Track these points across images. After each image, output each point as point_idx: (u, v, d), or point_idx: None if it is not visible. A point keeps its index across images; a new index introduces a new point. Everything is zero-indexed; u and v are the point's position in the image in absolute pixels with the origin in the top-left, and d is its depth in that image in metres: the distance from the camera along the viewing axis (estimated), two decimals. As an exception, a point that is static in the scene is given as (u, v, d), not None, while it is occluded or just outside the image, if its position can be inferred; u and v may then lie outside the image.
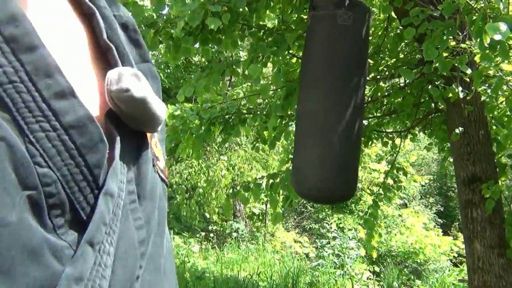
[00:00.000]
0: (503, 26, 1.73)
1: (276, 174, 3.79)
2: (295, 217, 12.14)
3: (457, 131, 2.80)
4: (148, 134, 0.44)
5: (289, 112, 3.34)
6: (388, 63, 2.91)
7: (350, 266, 6.03)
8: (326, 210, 10.52)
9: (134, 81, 0.39)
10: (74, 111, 0.34)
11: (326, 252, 6.07)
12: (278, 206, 3.62)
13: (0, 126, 0.29)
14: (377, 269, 7.07)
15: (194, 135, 3.66)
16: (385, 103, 3.74)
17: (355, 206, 9.57)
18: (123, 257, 0.38)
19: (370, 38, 2.98)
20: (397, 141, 4.12)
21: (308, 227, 10.90)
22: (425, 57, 2.14)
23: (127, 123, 0.40)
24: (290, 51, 2.87)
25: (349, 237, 6.59)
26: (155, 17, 2.71)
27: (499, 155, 3.10)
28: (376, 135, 4.12)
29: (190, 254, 5.51)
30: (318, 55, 1.87)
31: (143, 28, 2.64)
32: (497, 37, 1.72)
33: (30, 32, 0.34)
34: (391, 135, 4.12)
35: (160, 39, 2.67)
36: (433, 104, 3.10)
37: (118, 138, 0.38)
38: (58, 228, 0.32)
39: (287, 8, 2.67)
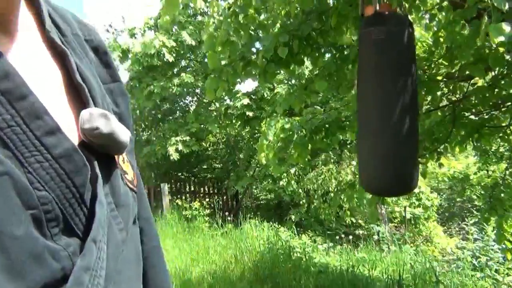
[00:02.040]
0: (506, 27, 1.81)
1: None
2: (459, 222, 11.39)
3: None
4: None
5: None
6: (462, 62, 2.98)
7: (490, 269, 5.72)
8: (486, 214, 9.62)
9: (102, 119, 0.45)
10: (62, 144, 0.40)
11: (463, 253, 5.84)
12: (374, 205, 3.88)
13: (2, 163, 0.35)
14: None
15: (299, 144, 4.14)
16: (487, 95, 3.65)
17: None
18: (112, 253, 0.45)
19: (441, 40, 3.11)
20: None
21: (472, 232, 10.19)
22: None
23: (98, 150, 0.46)
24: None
25: (492, 239, 6.22)
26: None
27: None
28: (489, 130, 3.99)
29: (316, 251, 5.95)
30: (363, 68, 2.11)
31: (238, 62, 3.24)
32: (501, 38, 1.74)
33: (21, 84, 0.39)
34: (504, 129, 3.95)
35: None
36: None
37: (95, 162, 0.45)
38: (54, 235, 0.39)
39: (351, 27, 3.01)
